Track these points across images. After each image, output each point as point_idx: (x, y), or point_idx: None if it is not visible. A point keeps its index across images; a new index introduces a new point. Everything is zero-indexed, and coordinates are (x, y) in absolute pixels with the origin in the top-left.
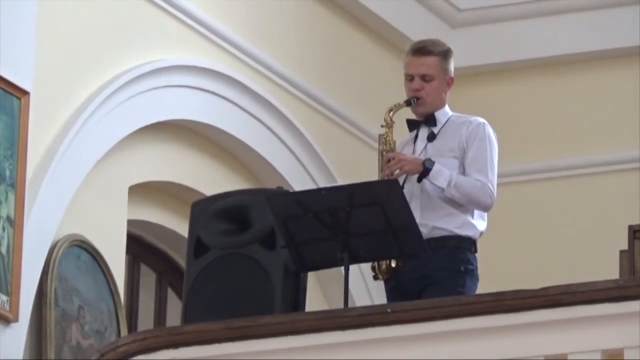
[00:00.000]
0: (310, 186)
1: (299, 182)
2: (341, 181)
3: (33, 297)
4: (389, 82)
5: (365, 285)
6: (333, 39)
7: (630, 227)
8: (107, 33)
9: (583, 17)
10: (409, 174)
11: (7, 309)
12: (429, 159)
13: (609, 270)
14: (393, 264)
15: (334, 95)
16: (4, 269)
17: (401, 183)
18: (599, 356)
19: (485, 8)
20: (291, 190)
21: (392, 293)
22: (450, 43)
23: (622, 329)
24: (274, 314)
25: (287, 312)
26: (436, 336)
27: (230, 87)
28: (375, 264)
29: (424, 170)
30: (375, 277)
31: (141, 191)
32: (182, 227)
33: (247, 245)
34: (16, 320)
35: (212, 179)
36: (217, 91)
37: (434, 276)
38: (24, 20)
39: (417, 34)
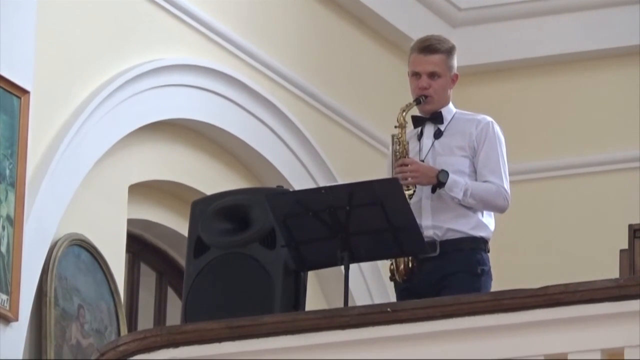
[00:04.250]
0: (311, 185)
1: (299, 181)
2: (341, 180)
3: (33, 296)
4: (390, 81)
5: (365, 284)
6: (333, 38)
7: (630, 226)
8: (107, 32)
9: (583, 16)
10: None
11: (7, 308)
12: (444, 171)
13: (609, 270)
14: (410, 265)
15: (334, 94)
16: (4, 268)
17: None
18: (599, 356)
19: (485, 7)
20: (291, 190)
21: (404, 294)
22: None
23: (622, 328)
24: (273, 313)
25: (287, 312)
26: (436, 335)
27: (231, 86)
28: (394, 265)
29: (439, 184)
30: (392, 279)
31: (141, 190)
32: (182, 226)
33: (247, 245)
34: (16, 319)
35: (212, 178)
36: (217, 90)
37: (451, 279)
38: (24, 20)
39: (417, 33)
